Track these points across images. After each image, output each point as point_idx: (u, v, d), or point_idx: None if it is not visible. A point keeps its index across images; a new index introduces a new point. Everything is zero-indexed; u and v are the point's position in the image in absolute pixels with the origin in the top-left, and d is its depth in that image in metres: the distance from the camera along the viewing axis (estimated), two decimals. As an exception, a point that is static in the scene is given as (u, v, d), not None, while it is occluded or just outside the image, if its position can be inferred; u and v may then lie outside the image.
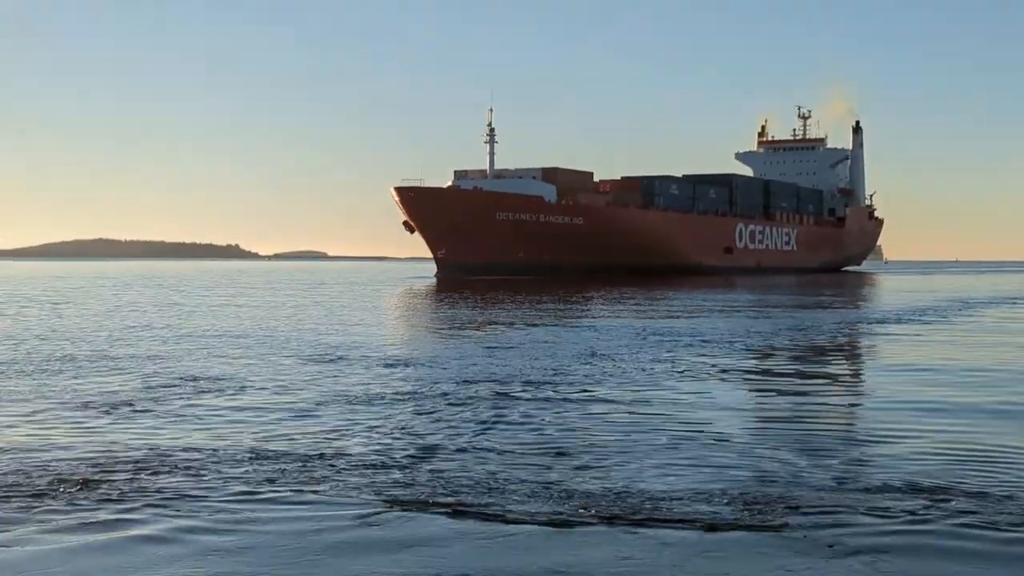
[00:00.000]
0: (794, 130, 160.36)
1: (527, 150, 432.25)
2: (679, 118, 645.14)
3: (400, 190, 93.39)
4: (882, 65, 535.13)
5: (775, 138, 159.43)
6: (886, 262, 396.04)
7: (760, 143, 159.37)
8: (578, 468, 10.49)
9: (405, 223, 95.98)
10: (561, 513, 8.76)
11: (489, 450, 11.39)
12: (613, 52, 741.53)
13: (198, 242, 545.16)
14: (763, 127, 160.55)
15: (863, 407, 16.09)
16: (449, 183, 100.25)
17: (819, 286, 78.59)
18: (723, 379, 18.62)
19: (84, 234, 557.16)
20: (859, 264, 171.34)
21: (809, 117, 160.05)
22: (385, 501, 9.12)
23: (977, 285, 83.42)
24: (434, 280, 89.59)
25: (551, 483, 9.77)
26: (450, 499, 9.18)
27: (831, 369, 21.67)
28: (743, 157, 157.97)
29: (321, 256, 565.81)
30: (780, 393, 17.07)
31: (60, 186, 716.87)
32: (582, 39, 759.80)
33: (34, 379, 17.62)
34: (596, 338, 26.63)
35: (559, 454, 11.20)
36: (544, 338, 26.72)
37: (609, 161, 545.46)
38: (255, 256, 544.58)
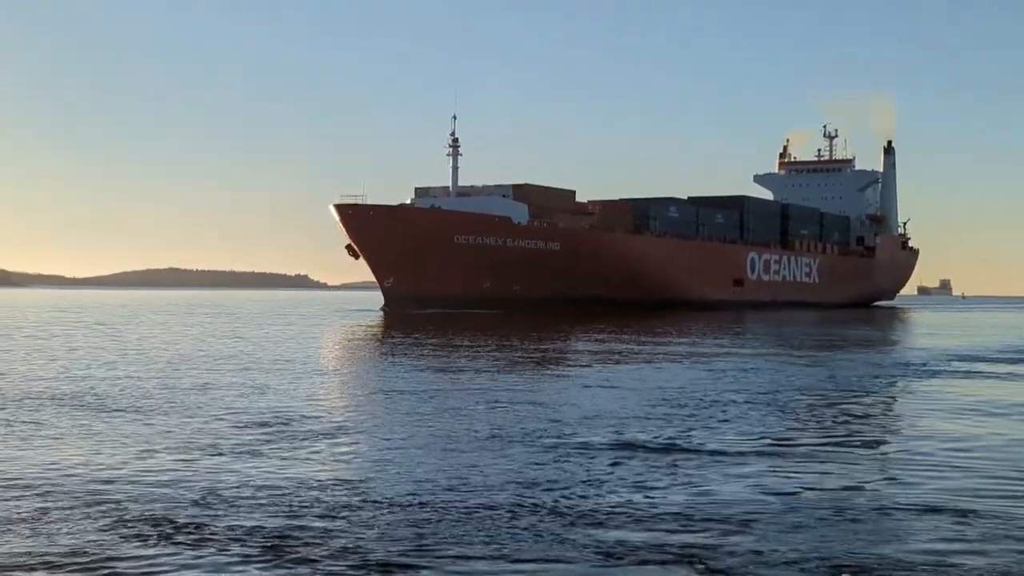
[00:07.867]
0: (819, 150, 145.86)
1: (500, 165, 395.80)
2: (691, 137, 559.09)
3: (340, 208, 79.82)
4: (931, 75, 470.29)
5: (798, 159, 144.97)
6: (963, 297, 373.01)
7: (781, 164, 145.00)
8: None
9: (348, 247, 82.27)
10: None
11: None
12: (613, 51, 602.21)
13: (268, 272, 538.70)
14: (785, 147, 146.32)
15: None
16: (409, 200, 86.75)
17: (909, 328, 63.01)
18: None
19: (155, 263, 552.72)
20: (892, 299, 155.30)
21: (836, 136, 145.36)
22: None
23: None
24: (380, 314, 76.25)
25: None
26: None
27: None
28: (762, 179, 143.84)
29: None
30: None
31: (133, 217, 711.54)
32: (570, 36, 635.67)
33: (104, 416, 16.90)
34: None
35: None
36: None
37: (600, 180, 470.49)
38: (323, 286, 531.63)
